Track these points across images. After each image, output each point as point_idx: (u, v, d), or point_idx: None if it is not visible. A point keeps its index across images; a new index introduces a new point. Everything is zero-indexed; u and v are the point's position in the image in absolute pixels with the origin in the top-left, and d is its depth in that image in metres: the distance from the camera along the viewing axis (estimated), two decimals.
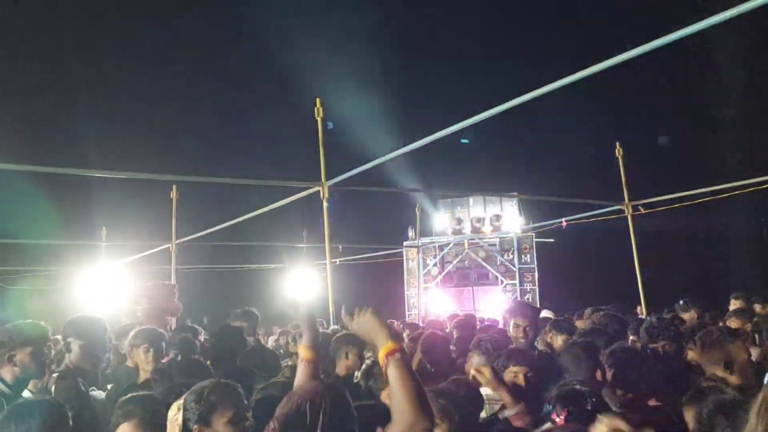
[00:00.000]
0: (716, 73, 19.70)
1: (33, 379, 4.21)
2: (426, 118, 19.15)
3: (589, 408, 3.03)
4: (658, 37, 4.49)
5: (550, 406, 3.17)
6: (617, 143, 9.78)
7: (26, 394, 4.00)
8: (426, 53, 23.75)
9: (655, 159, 20.04)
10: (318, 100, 7.31)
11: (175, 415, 3.00)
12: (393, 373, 2.40)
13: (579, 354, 4.07)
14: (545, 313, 9.19)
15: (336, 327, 8.68)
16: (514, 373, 3.87)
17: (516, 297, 17.57)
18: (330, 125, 7.55)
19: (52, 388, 4.01)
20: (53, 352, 4.92)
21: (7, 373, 3.93)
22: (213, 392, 3.02)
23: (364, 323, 2.57)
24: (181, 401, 3.04)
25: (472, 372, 3.38)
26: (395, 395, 2.37)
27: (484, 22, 23.32)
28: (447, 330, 7.95)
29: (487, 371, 3.33)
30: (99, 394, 4.67)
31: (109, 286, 11.70)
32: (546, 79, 5.44)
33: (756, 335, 5.91)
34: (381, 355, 2.45)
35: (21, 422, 3.08)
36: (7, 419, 3.13)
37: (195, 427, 2.93)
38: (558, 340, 5.70)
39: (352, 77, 21.51)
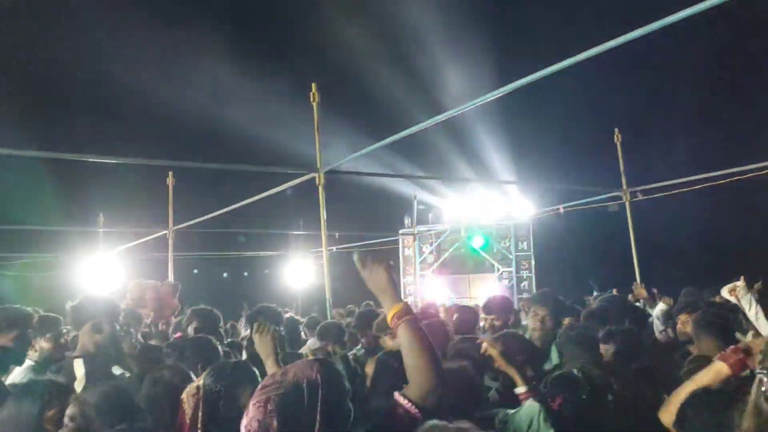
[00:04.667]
0: (717, 57, 19.64)
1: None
2: (423, 104, 19.12)
3: (585, 396, 3.06)
4: (656, 20, 4.46)
5: (545, 389, 3.21)
6: (616, 129, 9.76)
7: None
8: (423, 37, 23.65)
9: (655, 145, 19.99)
10: (314, 85, 7.27)
11: (193, 395, 3.07)
12: (406, 335, 2.43)
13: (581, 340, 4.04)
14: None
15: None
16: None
17: (512, 285, 17.59)
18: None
19: (77, 372, 3.97)
20: (70, 336, 4.94)
21: None
22: (235, 369, 3.14)
23: (375, 277, 2.60)
24: (199, 382, 3.12)
25: (484, 346, 3.42)
26: (411, 357, 2.41)
27: (482, 5, 23.23)
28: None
29: (500, 346, 3.39)
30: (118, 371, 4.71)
31: (106, 272, 11.69)
32: (544, 64, 5.40)
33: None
34: (390, 316, 2.49)
35: (25, 404, 3.10)
36: (11, 401, 3.15)
37: (221, 403, 3.01)
38: None
39: (348, 61, 21.44)
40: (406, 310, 2.49)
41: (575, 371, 3.27)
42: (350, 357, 4.84)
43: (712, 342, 4.05)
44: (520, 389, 3.26)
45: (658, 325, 6.66)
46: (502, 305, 5.65)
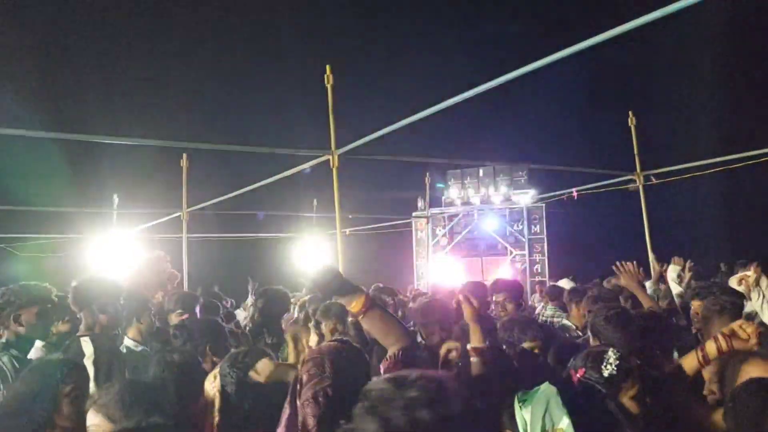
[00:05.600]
0: (733, 38, 19.47)
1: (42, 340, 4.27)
2: (437, 86, 19.06)
3: (606, 374, 3.05)
4: (672, 1, 4.43)
5: (574, 360, 3.22)
6: (630, 112, 9.71)
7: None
8: (439, 16, 23.56)
9: (669, 128, 19.88)
10: (328, 67, 7.27)
11: (212, 384, 3.13)
12: (377, 318, 2.75)
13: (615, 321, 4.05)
14: (564, 283, 9.17)
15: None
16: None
17: (525, 268, 17.59)
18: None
19: (85, 350, 4.03)
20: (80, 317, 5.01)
21: (12, 333, 3.98)
22: (247, 356, 3.17)
23: (330, 285, 2.76)
24: (216, 371, 3.17)
25: (460, 298, 3.43)
26: (384, 333, 2.75)
27: None
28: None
29: (475, 302, 3.39)
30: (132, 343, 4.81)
31: (120, 253, 11.76)
32: (558, 46, 5.38)
33: None
34: (357, 307, 2.72)
35: (40, 379, 3.14)
36: (26, 377, 3.19)
37: (234, 389, 3.06)
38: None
39: (362, 42, 21.38)
40: (367, 302, 2.73)
41: (610, 351, 3.25)
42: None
43: (723, 326, 4.01)
44: (473, 344, 3.33)
45: (675, 288, 6.67)
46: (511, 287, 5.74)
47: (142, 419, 2.75)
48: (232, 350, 3.42)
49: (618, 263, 5.69)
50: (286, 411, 2.54)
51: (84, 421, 2.86)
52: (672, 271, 6.86)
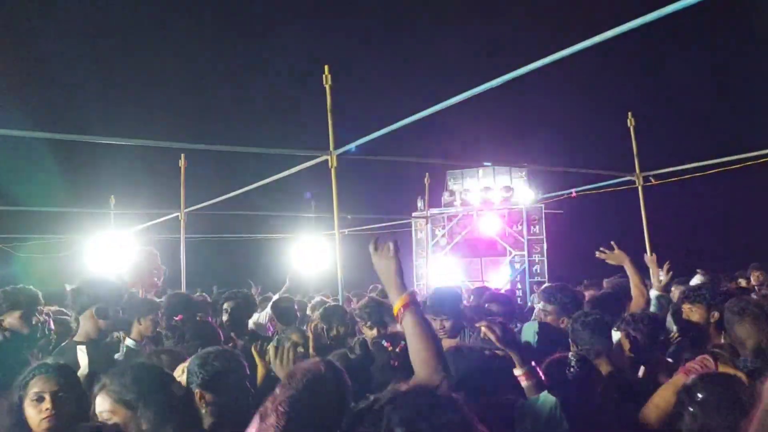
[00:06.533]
0: (733, 39, 19.47)
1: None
2: (436, 86, 19.03)
3: (570, 378, 3.10)
4: (671, 2, 4.40)
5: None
6: (629, 113, 9.70)
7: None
8: (439, 16, 23.55)
9: (669, 129, 19.86)
10: (326, 68, 7.25)
11: (179, 377, 3.07)
12: (410, 326, 2.46)
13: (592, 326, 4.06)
14: None
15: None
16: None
17: (524, 268, 17.56)
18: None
19: (80, 360, 3.96)
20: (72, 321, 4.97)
21: None
22: (217, 359, 3.09)
23: (384, 264, 2.62)
24: (186, 364, 3.10)
25: (483, 329, 3.41)
26: (414, 348, 2.44)
27: None
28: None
29: (497, 329, 3.36)
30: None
31: (117, 254, 11.73)
32: (557, 47, 5.35)
33: None
34: (396, 307, 2.51)
35: (11, 388, 3.10)
36: (19, 383, 3.14)
37: (197, 390, 2.98)
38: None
39: (361, 42, 21.35)
40: (412, 301, 2.51)
41: (570, 356, 3.31)
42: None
43: (745, 330, 3.97)
44: (518, 371, 3.29)
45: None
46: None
47: (158, 402, 2.71)
48: (205, 350, 3.31)
49: (598, 250, 5.79)
50: (255, 420, 2.38)
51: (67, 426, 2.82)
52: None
